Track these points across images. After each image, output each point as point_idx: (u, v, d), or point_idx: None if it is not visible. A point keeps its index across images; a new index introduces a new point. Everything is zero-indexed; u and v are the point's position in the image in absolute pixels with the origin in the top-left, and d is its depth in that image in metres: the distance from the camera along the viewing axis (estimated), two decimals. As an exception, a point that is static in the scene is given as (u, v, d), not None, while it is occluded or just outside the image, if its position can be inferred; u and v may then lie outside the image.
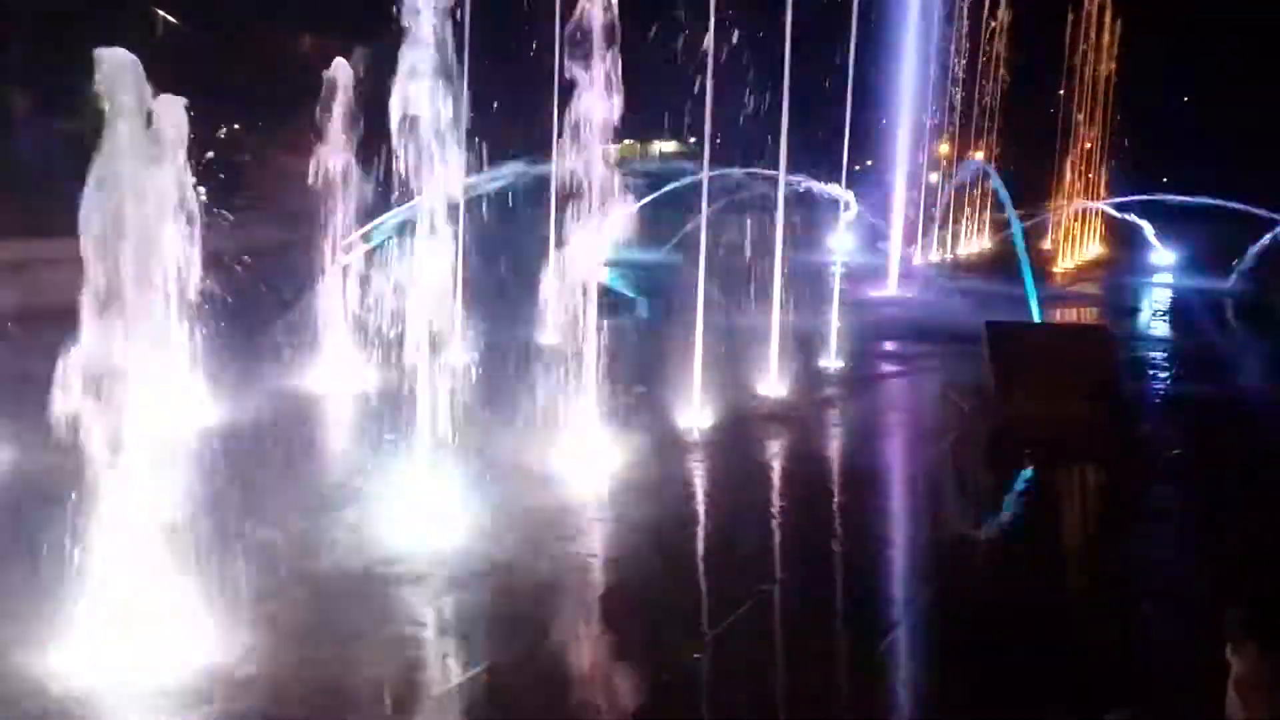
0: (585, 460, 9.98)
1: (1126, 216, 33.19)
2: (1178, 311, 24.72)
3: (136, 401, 6.37)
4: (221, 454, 7.69)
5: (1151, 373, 16.92)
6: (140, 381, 6.39)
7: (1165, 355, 18.90)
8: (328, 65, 13.84)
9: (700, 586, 7.92)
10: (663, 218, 25.52)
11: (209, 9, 31.49)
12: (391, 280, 8.86)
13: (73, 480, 6.25)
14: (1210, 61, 53.99)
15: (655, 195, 25.91)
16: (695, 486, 10.30)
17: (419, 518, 8.07)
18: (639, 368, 12.50)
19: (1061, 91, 40.73)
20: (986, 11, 35.62)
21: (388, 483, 8.44)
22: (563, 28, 10.81)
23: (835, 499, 10.24)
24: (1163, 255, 31.42)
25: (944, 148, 34.71)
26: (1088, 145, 39.74)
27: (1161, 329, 22.84)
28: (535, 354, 13.10)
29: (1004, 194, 20.37)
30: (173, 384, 10.12)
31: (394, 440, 8.58)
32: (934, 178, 32.06)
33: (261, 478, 8.66)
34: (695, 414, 11.77)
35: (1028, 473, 11.17)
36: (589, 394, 10.25)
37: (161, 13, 30.98)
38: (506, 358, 12.65)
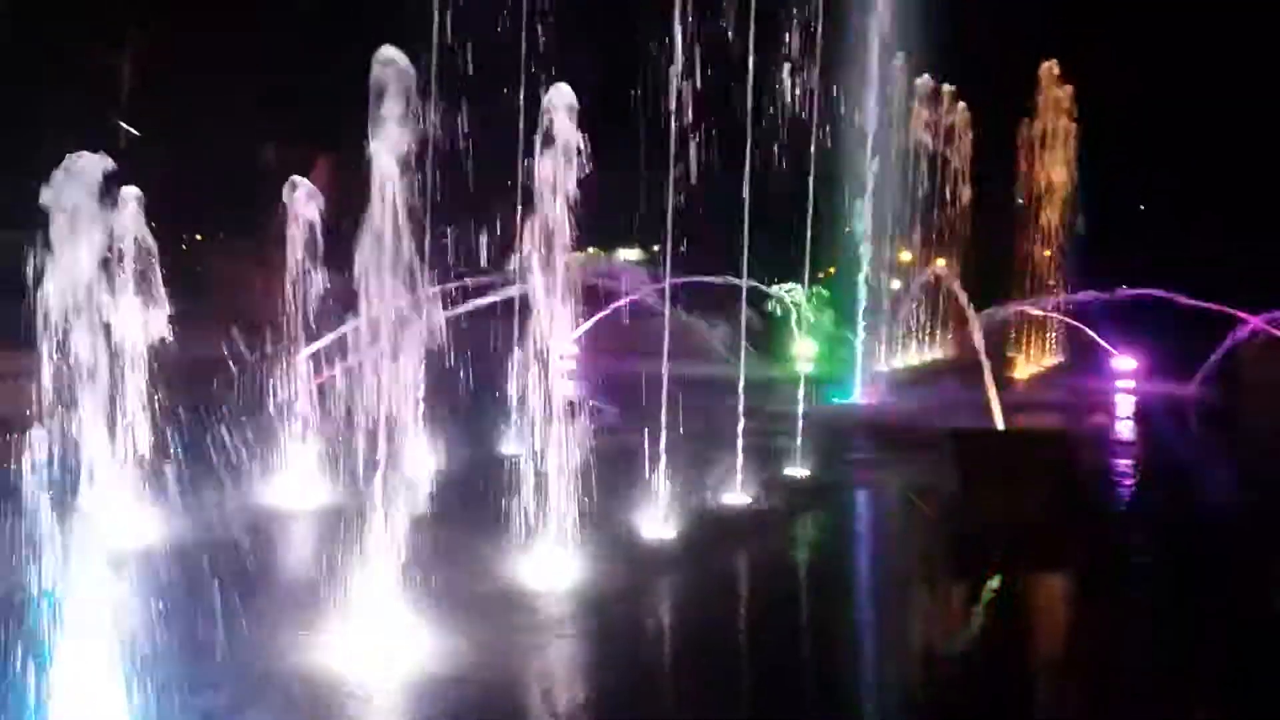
0: (541, 577, 9.82)
1: (1079, 325, 33.72)
2: (1140, 416, 24.88)
3: (86, 515, 6.23)
4: (158, 572, 7.55)
5: (1115, 478, 16.94)
6: (90, 496, 6.26)
7: (1128, 461, 18.96)
8: (292, 174, 13.90)
9: (659, 704, 7.76)
10: (626, 324, 25.66)
11: (169, 119, 31.76)
12: (350, 392, 8.78)
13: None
14: (1167, 170, 55.36)
15: (617, 304, 26.14)
16: (656, 601, 10.15)
17: (367, 639, 7.90)
18: (603, 476, 12.36)
19: (1020, 200, 41.52)
20: (945, 121, 36.38)
21: (340, 605, 8.24)
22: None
23: (800, 612, 10.16)
24: (1123, 360, 31.77)
25: (905, 254, 35.12)
26: (1047, 252, 40.43)
27: (1124, 434, 22.96)
28: (497, 465, 13.01)
29: (966, 304, 20.50)
30: (123, 499, 9.98)
31: (349, 559, 8.40)
32: (895, 284, 32.39)
33: (204, 599, 8.46)
34: (658, 525, 11.64)
35: (994, 581, 11.07)
36: (549, 506, 10.11)
37: (123, 124, 31.23)
38: (468, 469, 12.56)
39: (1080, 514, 13.02)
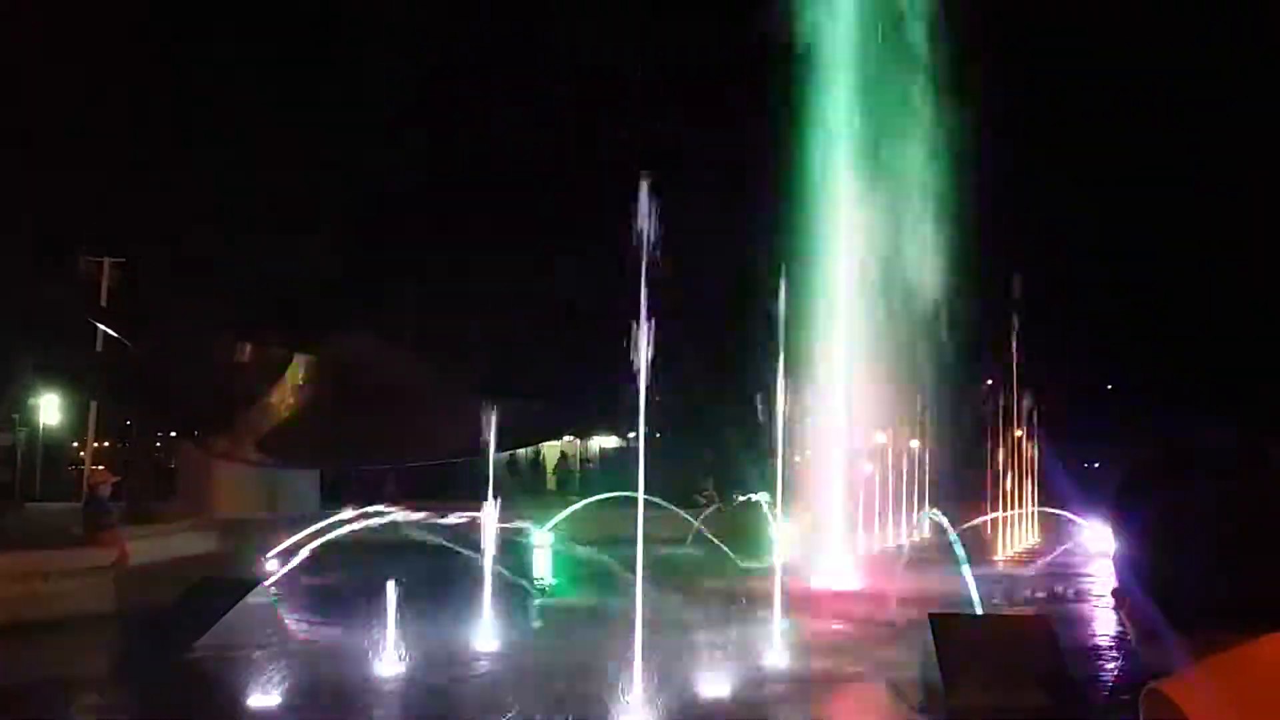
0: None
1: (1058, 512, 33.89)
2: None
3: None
4: None
5: (1099, 660, 16.70)
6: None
7: (1111, 641, 18.71)
8: (266, 373, 14.10)
9: None
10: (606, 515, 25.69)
11: (148, 319, 32.00)
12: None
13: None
14: (1132, 352, 56.66)
15: (598, 497, 26.25)
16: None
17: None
18: (572, 667, 12.14)
19: (989, 382, 42.05)
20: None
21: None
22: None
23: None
24: (1098, 537, 31.71)
25: (880, 437, 35.32)
26: (1018, 433, 40.67)
27: (1105, 614, 22.73)
28: (467, 658, 12.76)
29: (955, 541, 20.55)
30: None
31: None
32: (869, 468, 32.48)
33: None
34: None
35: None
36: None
37: (102, 325, 31.41)
38: (437, 664, 12.31)
39: (1066, 698, 12.79)
